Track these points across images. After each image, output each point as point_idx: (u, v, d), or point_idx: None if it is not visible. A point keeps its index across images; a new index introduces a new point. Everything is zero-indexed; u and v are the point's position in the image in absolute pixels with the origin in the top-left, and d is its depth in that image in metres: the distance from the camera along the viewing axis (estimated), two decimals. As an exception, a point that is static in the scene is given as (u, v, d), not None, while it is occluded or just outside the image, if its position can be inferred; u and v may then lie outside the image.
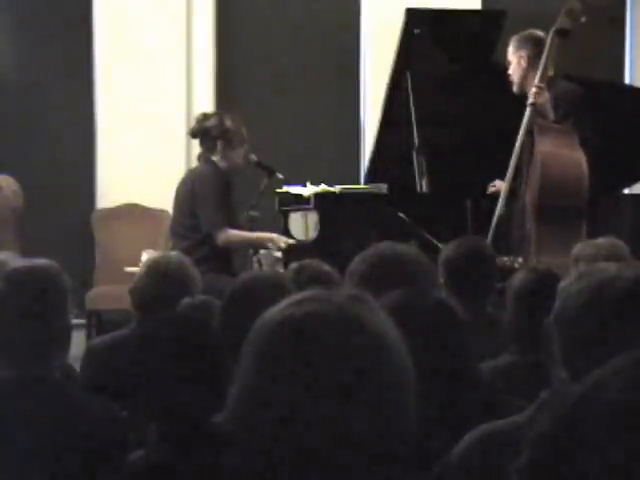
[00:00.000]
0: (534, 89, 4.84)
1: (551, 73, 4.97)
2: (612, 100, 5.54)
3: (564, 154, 4.74)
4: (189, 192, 5.18)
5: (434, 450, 1.90)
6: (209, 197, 5.10)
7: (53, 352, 2.43)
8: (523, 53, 5.04)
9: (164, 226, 6.45)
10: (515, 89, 5.09)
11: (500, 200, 4.93)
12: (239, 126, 5.27)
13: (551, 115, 4.87)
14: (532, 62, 4.99)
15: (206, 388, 2.09)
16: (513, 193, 4.97)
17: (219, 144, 5.22)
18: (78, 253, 6.94)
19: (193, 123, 5.48)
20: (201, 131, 5.28)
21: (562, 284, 1.80)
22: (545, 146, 4.75)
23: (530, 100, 4.85)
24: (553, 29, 4.88)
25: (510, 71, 5.11)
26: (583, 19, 4.89)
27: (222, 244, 5.08)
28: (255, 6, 7.43)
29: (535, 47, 5.02)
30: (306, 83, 7.41)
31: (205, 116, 5.36)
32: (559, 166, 4.72)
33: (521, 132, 4.87)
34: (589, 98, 5.00)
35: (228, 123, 5.24)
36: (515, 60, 5.08)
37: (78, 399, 2.42)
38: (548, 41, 4.88)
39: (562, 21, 4.87)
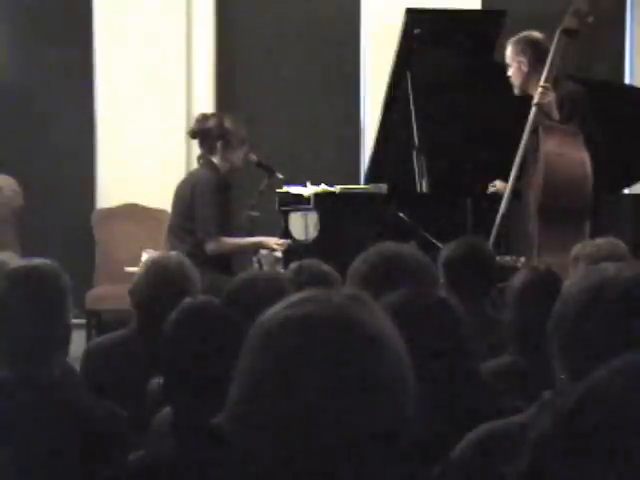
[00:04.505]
0: (540, 89, 4.83)
1: (555, 73, 4.95)
2: (612, 100, 5.53)
3: (568, 154, 4.73)
4: (189, 196, 5.18)
5: (434, 450, 1.90)
6: (206, 205, 5.10)
7: (53, 352, 2.43)
8: (523, 58, 5.02)
9: (164, 226, 6.43)
10: (516, 91, 5.08)
11: (504, 200, 4.93)
12: (238, 127, 5.26)
13: (556, 115, 4.86)
14: (533, 65, 4.98)
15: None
16: (517, 193, 4.97)
17: (219, 145, 5.21)
18: (78, 253, 6.94)
19: (193, 123, 5.47)
20: (201, 132, 5.27)
21: (565, 285, 1.81)
22: (549, 146, 4.74)
23: (535, 100, 4.84)
24: (560, 29, 4.85)
25: (510, 73, 5.09)
26: (590, 19, 4.87)
27: (212, 253, 5.08)
28: (255, 6, 7.43)
29: (535, 50, 5.00)
30: (306, 83, 7.41)
31: (205, 117, 5.34)
32: (563, 167, 4.72)
33: (526, 132, 4.86)
34: (590, 98, 5.00)
35: (227, 124, 5.23)
36: (515, 65, 5.05)
37: (78, 399, 2.42)
38: (554, 41, 4.86)
39: (568, 21, 4.85)
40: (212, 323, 2.24)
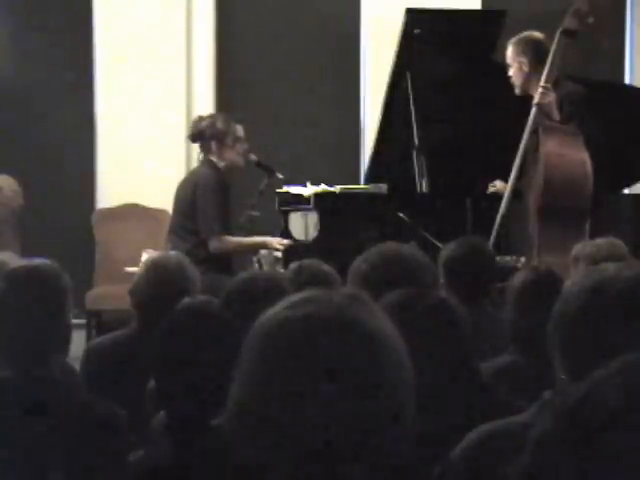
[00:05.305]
0: (540, 89, 4.83)
1: (556, 73, 4.95)
2: (612, 100, 5.53)
3: (568, 155, 4.73)
4: (190, 195, 5.22)
5: (434, 450, 1.90)
6: (208, 204, 5.15)
7: (53, 352, 2.43)
8: (523, 58, 5.02)
9: (164, 226, 6.43)
10: (517, 91, 5.08)
11: (504, 200, 4.93)
12: (230, 125, 5.33)
13: (556, 115, 4.86)
14: (534, 66, 4.97)
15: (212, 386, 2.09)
16: (517, 193, 4.97)
17: (213, 144, 5.29)
18: (78, 253, 6.94)
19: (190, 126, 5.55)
20: (196, 133, 5.36)
21: (565, 285, 1.81)
22: (550, 147, 4.74)
23: (536, 100, 4.84)
24: (560, 29, 4.85)
25: (510, 74, 5.09)
26: (590, 20, 4.86)
27: (215, 252, 5.12)
28: (255, 6, 7.43)
29: (536, 51, 5.00)
30: (306, 83, 7.40)
31: (200, 119, 5.47)
32: (563, 167, 4.72)
33: (526, 132, 4.86)
34: (590, 98, 5.00)
35: (219, 124, 5.31)
36: (515, 65, 5.05)
37: (78, 399, 2.42)
38: (555, 41, 4.86)
39: (569, 21, 4.85)
40: (210, 323, 2.24)
